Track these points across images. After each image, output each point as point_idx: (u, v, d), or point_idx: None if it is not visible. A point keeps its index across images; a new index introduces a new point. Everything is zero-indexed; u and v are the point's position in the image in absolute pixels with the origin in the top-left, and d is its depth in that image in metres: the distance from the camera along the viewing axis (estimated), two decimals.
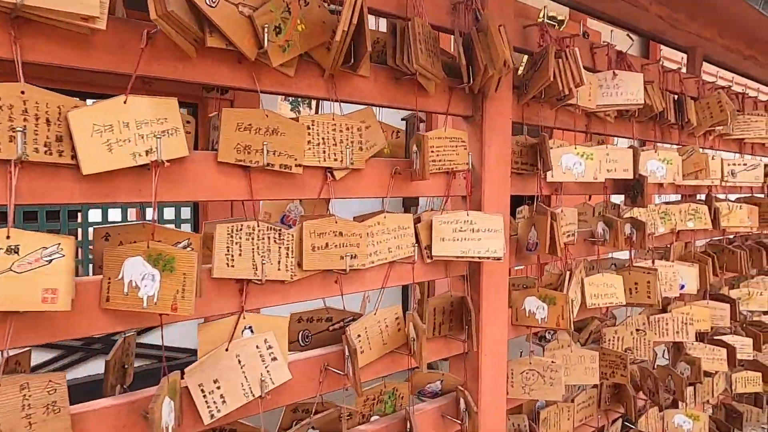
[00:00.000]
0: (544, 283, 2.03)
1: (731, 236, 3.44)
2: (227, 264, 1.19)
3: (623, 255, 2.50)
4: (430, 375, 1.73)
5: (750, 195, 3.29)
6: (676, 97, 2.58)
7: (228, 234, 1.20)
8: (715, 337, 3.09)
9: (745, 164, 3.09)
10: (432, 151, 1.59)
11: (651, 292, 2.21)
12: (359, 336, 1.45)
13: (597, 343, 2.36)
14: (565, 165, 1.97)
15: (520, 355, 1.96)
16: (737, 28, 2.92)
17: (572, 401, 2.17)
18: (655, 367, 2.78)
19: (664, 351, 3.05)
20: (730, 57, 3.12)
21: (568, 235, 2.02)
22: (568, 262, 2.06)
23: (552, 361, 1.86)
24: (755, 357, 3.36)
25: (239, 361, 1.21)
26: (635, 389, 2.59)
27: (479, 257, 1.58)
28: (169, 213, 5.69)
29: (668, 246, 2.70)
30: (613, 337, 2.33)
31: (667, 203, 2.74)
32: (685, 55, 3.22)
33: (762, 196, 3.36)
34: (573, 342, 2.14)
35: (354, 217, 1.49)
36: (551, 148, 1.97)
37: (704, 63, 3.45)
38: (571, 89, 1.73)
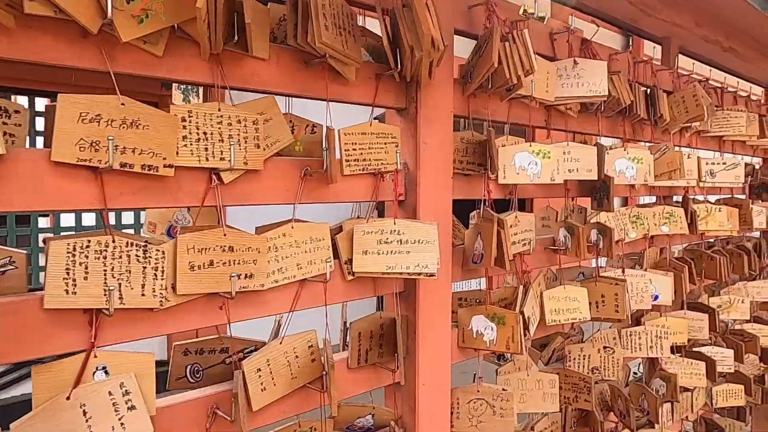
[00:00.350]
0: (497, 299, 1.80)
1: (711, 240, 3.24)
2: (67, 291, 0.95)
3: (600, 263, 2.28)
4: (359, 408, 1.50)
5: (730, 196, 3.09)
6: (648, 90, 2.37)
7: (69, 252, 0.95)
8: (695, 349, 2.89)
9: (724, 163, 2.89)
10: (354, 149, 1.36)
11: (619, 305, 1.99)
12: (259, 370, 1.21)
13: (562, 362, 2.13)
14: (519, 164, 1.74)
15: (474, 380, 1.73)
16: (716, 17, 2.71)
17: (532, 429, 1.95)
18: (628, 383, 2.56)
19: (639, 365, 2.83)
20: (708, 48, 2.91)
21: (524, 244, 1.79)
22: (526, 274, 1.83)
23: (503, 389, 1.63)
24: (737, 368, 3.16)
25: (84, 413, 0.96)
26: (606, 409, 2.37)
27: (408, 273, 1.34)
28: (127, 217, 5.39)
29: (642, 252, 2.48)
30: (579, 356, 2.11)
31: (640, 206, 2.52)
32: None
33: (743, 197, 3.16)
34: (533, 363, 1.92)
35: (256, 229, 1.25)
36: (502, 145, 1.74)
37: (682, 57, 3.25)
38: (520, 77, 1.50)
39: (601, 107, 2.04)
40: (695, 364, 2.65)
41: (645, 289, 2.19)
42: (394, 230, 1.34)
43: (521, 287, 1.72)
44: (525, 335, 1.77)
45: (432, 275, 1.34)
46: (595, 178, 1.89)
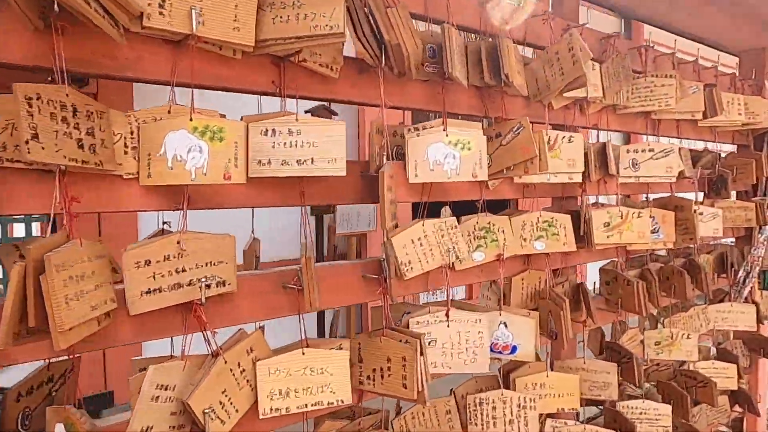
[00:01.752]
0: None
1: (663, 253, 2.46)
2: None
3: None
4: None
5: (669, 194, 2.30)
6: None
7: None
8: (623, 402, 2.11)
9: (651, 150, 2.11)
10: None
11: (407, 376, 1.24)
12: None
13: None
14: (174, 153, 1.01)
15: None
16: None
17: None
18: None
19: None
20: None
21: (200, 286, 1.06)
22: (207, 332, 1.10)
23: None
24: (689, 424, 2.37)
25: None
26: None
27: None
28: (18, 229, 4.85)
29: (495, 283, 1.72)
30: None
31: (507, 214, 1.77)
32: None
33: (689, 195, 2.36)
34: None
35: None
36: (145, 121, 1.02)
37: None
38: None
39: (382, 63, 1.29)
40: None
41: (479, 343, 1.44)
42: None
43: (157, 365, 0.99)
44: None
45: None
46: (342, 172, 1.15)
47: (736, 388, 2.55)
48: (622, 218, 1.97)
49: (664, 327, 2.35)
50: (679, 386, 2.45)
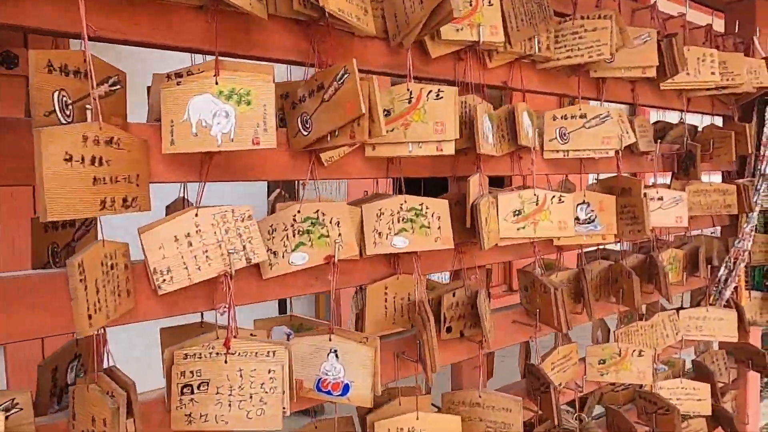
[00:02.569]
0: None
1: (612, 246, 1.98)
2: None
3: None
4: None
5: (615, 174, 1.81)
6: None
7: None
8: None
9: (582, 116, 1.63)
10: None
11: None
12: None
13: None
14: None
15: None
16: None
17: None
18: None
19: None
20: None
21: None
22: None
23: None
24: None
25: None
26: None
27: None
28: None
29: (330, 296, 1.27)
30: None
31: (363, 200, 1.31)
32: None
33: (663, 177, 1.87)
34: None
35: None
36: None
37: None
38: None
39: None
40: None
41: (270, 387, 0.98)
42: None
43: None
44: None
45: None
46: None
47: (709, 413, 2.07)
48: (537, 204, 1.50)
49: (609, 344, 1.88)
50: (638, 412, 1.99)
